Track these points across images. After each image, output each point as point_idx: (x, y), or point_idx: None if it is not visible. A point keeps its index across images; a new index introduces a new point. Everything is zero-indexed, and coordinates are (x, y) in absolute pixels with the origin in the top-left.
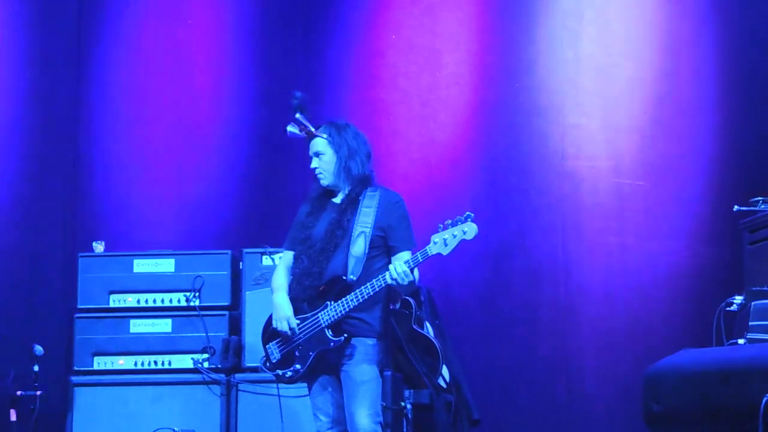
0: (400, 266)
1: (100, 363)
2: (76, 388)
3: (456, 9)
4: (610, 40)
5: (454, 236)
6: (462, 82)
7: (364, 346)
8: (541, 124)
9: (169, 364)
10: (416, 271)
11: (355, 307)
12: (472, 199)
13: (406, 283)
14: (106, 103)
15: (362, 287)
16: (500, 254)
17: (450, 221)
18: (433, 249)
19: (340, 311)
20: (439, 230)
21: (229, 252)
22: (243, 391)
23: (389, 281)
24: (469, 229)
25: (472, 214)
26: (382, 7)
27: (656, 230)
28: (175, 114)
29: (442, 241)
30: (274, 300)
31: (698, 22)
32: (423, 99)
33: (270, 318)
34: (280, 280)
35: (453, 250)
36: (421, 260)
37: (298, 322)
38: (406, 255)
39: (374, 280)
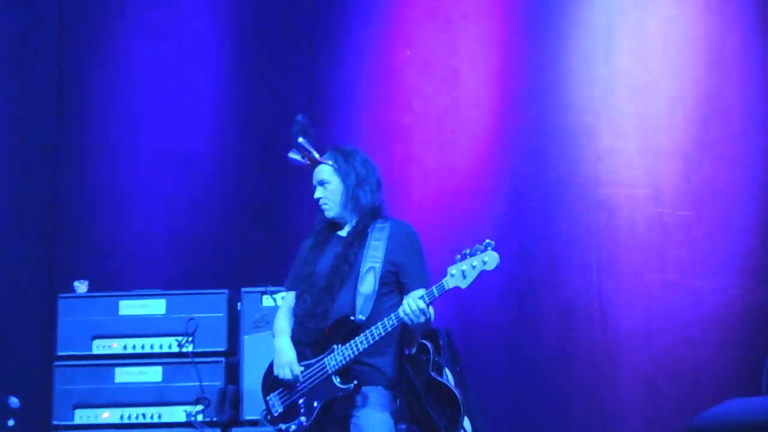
0: (414, 302)
1: (82, 416)
2: None
3: (477, 24)
4: (648, 55)
5: (473, 267)
6: (483, 103)
7: (376, 395)
8: (571, 147)
9: (159, 417)
10: (431, 309)
11: (364, 350)
12: (494, 231)
13: (421, 321)
14: (89, 130)
15: (372, 328)
16: (527, 292)
17: (468, 251)
18: (450, 282)
19: (349, 355)
20: (457, 261)
21: (226, 292)
22: None
23: (402, 317)
24: (490, 259)
25: (493, 242)
26: (396, 22)
27: (701, 266)
28: (165, 141)
29: (460, 273)
30: (275, 344)
31: (745, 35)
32: (440, 122)
33: (271, 366)
34: (282, 323)
35: (473, 282)
36: (437, 295)
37: (302, 368)
38: (420, 293)
39: (386, 320)
